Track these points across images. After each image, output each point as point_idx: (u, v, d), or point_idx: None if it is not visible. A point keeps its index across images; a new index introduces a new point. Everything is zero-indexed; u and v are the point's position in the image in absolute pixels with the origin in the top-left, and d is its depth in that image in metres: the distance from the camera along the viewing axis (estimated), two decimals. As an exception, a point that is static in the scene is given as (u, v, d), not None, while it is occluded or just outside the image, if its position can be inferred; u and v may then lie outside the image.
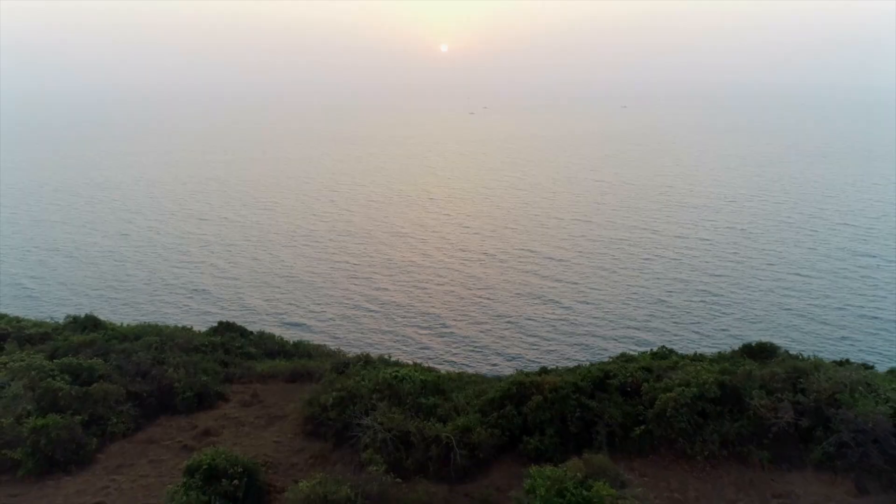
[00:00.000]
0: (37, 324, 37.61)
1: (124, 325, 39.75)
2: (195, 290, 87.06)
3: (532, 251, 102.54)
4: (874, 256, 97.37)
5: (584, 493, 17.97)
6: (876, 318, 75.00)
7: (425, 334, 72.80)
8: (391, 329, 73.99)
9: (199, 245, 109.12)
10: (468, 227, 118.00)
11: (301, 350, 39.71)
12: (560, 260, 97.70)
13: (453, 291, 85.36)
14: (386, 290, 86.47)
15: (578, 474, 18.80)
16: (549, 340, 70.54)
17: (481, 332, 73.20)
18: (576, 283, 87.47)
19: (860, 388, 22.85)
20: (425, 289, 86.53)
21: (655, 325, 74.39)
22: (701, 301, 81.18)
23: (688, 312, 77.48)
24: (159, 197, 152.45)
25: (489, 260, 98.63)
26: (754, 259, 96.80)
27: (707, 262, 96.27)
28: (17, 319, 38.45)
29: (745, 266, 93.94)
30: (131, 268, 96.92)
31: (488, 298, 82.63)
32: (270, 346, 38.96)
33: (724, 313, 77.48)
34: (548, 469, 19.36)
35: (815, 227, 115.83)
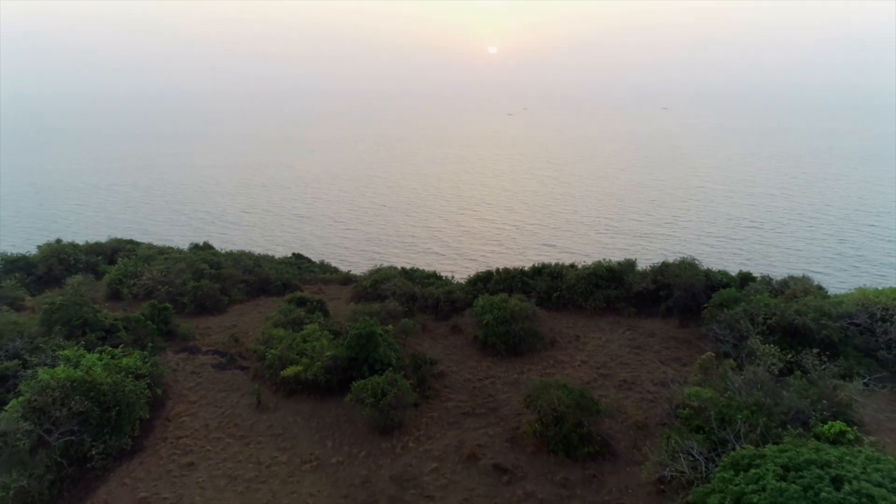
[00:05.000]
0: (170, 248, 54.33)
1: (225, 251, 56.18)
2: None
3: (550, 245, 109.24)
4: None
5: (504, 304, 32.83)
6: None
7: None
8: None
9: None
10: (494, 226, 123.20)
11: (350, 274, 55.22)
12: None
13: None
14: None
15: (504, 297, 33.69)
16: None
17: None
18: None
19: (688, 266, 36.91)
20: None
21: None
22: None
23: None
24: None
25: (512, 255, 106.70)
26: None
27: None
28: (156, 247, 55.41)
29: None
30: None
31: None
32: (329, 269, 54.70)
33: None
34: (487, 296, 34.35)
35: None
